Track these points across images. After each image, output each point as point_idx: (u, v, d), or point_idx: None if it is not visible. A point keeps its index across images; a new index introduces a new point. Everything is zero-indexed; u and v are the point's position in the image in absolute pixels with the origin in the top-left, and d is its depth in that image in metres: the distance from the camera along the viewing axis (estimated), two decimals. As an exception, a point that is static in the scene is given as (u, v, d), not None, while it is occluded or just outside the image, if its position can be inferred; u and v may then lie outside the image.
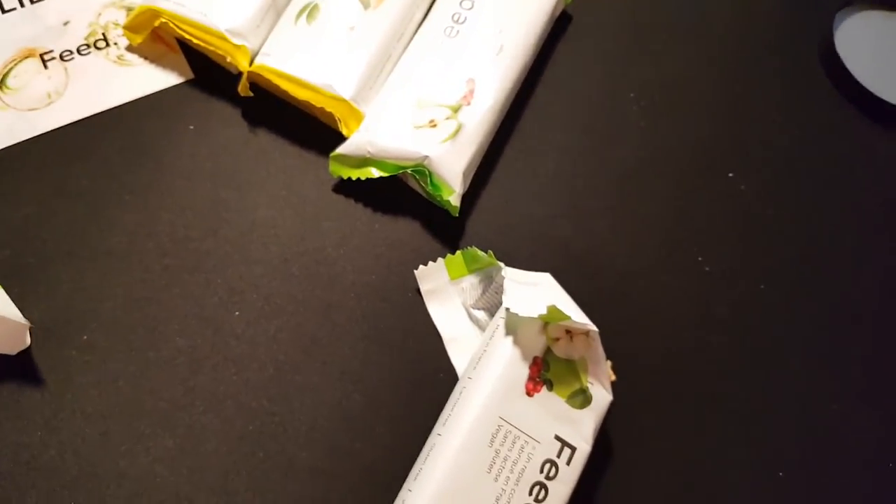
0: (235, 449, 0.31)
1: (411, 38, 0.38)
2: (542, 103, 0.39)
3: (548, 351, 0.29)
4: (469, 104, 0.35)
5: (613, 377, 0.30)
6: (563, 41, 0.40)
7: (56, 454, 0.30)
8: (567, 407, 0.28)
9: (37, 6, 0.38)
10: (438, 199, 0.34)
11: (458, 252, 0.34)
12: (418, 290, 0.34)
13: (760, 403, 0.34)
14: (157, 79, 0.38)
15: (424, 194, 0.35)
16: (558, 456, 0.27)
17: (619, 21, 0.41)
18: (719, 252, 0.36)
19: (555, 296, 0.30)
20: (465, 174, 0.34)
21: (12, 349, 0.31)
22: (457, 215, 0.34)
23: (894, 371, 0.35)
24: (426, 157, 0.34)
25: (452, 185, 0.34)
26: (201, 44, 0.36)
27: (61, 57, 0.37)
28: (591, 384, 0.29)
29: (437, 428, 0.29)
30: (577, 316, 0.28)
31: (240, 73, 0.36)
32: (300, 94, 0.35)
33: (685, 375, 0.34)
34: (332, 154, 0.35)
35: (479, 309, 0.33)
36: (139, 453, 0.31)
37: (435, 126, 0.34)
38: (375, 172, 0.35)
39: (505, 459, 0.27)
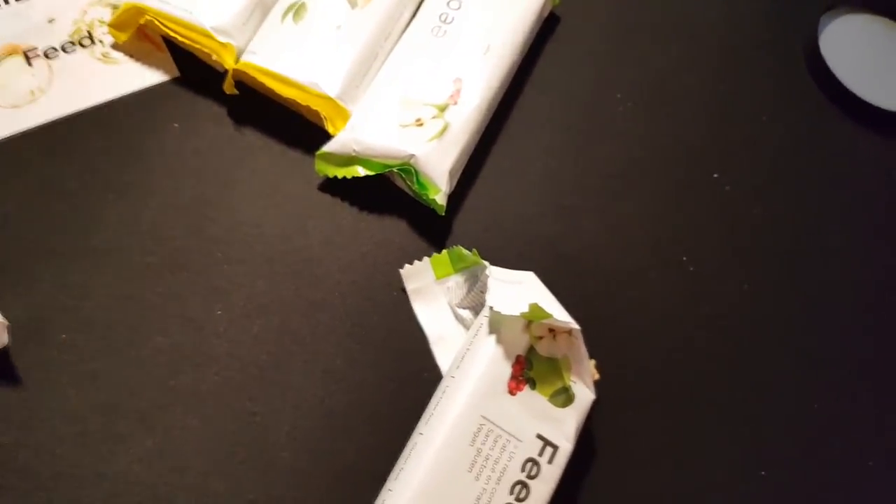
0: (216, 449, 0.31)
1: (399, 38, 0.37)
2: (530, 103, 0.39)
3: (531, 349, 0.28)
4: (456, 103, 0.35)
5: (598, 376, 0.30)
6: (550, 42, 0.40)
7: (33, 454, 0.30)
8: (549, 405, 0.28)
9: (22, 3, 0.38)
10: (425, 197, 0.34)
11: (444, 251, 0.33)
12: (404, 289, 0.34)
13: (744, 403, 0.34)
14: (142, 76, 0.37)
15: (411, 193, 0.35)
16: (540, 455, 0.27)
17: (606, 22, 0.41)
18: (704, 252, 0.36)
19: (538, 294, 0.30)
20: (451, 173, 0.34)
21: (-9, 347, 0.31)
22: (443, 214, 0.34)
23: (877, 370, 0.35)
24: (412, 155, 0.34)
25: (439, 184, 0.34)
26: (186, 41, 0.36)
27: (46, 54, 0.37)
28: (574, 383, 0.28)
29: (420, 427, 0.28)
30: (560, 314, 0.28)
31: (225, 71, 0.36)
32: (286, 92, 0.35)
33: (669, 375, 0.34)
34: (318, 152, 0.35)
35: (464, 308, 0.33)
36: (118, 453, 0.30)
37: (421, 125, 0.34)
38: (361, 171, 0.34)
39: (486, 458, 0.27)
